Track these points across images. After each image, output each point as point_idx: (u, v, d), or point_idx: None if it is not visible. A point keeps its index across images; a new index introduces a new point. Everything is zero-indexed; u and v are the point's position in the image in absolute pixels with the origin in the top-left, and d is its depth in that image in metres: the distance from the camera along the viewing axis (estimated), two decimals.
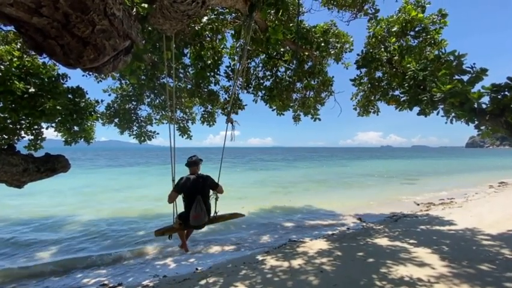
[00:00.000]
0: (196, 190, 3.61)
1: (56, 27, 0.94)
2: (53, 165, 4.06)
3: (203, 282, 4.46)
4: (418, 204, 11.40)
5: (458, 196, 12.77)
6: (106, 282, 5.10)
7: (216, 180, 3.87)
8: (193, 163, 3.80)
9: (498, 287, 3.62)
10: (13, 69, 4.03)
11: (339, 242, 6.33)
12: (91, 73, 5.82)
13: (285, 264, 5.00)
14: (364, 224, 8.49)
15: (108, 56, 1.16)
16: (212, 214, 3.85)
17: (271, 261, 5.27)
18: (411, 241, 5.93)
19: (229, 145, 4.28)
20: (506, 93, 3.89)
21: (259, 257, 5.63)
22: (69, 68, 1.15)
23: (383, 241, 6.09)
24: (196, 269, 5.39)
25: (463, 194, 13.54)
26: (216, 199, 3.94)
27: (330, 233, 7.64)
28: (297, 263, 5.02)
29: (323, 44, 6.58)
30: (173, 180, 3.64)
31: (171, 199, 3.61)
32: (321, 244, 6.23)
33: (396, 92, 6.71)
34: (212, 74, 6.47)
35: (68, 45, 1.02)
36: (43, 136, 4.96)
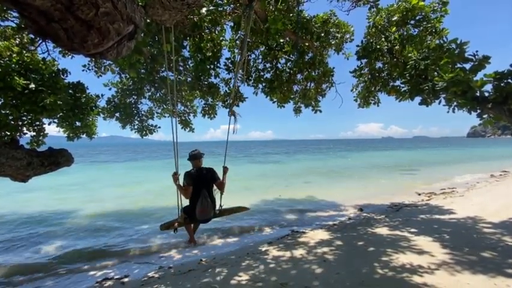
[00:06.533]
0: (201, 183, 3.62)
1: (59, 9, 0.93)
2: (57, 159, 4.08)
3: (207, 272, 4.54)
4: (419, 194, 11.45)
5: (459, 185, 12.81)
6: (112, 274, 5.20)
7: (220, 175, 3.81)
8: (194, 156, 3.81)
9: (499, 273, 3.67)
10: (13, 65, 4.02)
11: (341, 232, 6.40)
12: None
13: (288, 254, 5.07)
14: (365, 214, 8.55)
15: (112, 40, 1.15)
16: (217, 208, 3.87)
17: (273, 251, 5.34)
18: (412, 230, 5.98)
19: (231, 139, 4.26)
20: (510, 80, 3.86)
21: (262, 248, 5.70)
22: (73, 53, 1.14)
23: (383, 230, 6.15)
24: (201, 260, 5.47)
25: (464, 183, 13.58)
26: (221, 193, 3.87)
27: (331, 223, 7.72)
28: (299, 253, 5.09)
29: (323, 34, 6.50)
30: (175, 173, 3.54)
31: (187, 193, 3.59)
32: (323, 234, 6.31)
33: (397, 82, 6.66)
34: (212, 66, 6.44)
35: (72, 29, 1.01)
36: (45, 132, 4.97)
